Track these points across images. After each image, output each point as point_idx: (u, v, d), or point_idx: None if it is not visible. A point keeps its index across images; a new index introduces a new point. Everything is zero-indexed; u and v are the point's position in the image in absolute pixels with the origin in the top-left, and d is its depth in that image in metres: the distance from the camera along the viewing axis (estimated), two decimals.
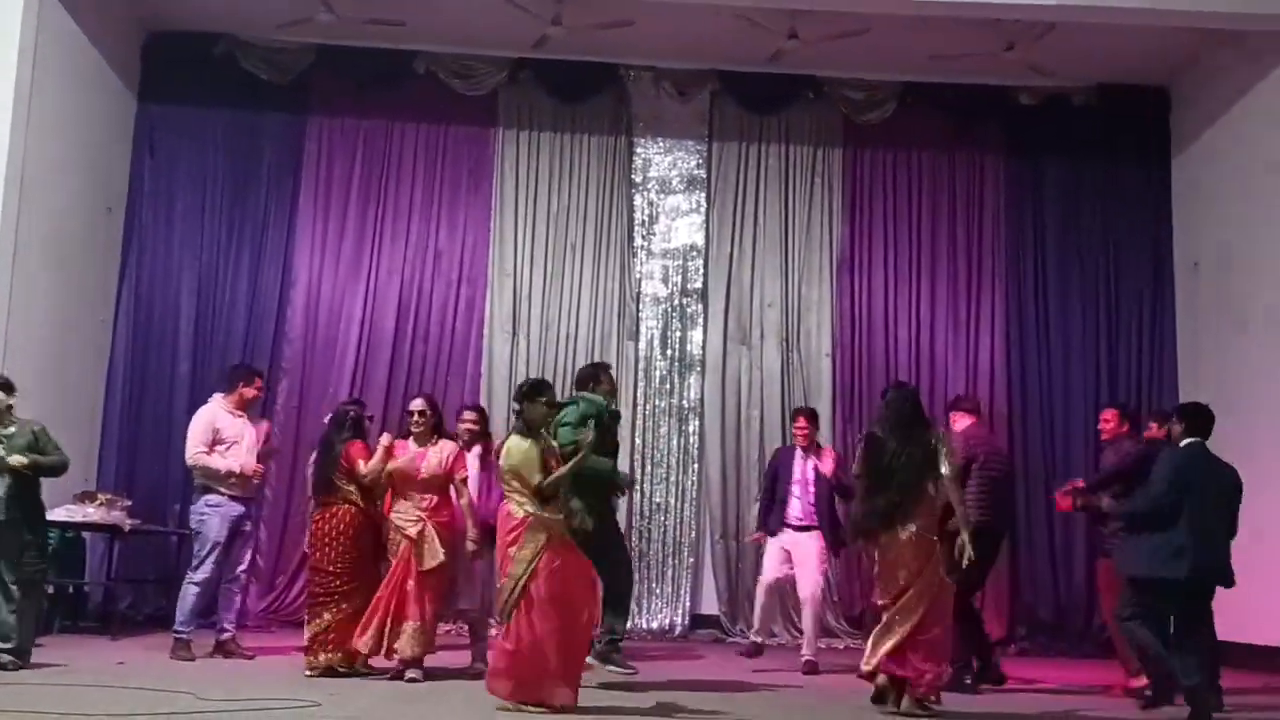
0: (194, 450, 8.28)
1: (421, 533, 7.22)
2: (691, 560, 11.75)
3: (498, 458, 6.46)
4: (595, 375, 7.19)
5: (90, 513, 9.68)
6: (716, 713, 6.23)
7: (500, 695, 5.99)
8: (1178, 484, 6.87)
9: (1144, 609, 6.93)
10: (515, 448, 6.31)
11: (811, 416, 9.50)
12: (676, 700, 6.46)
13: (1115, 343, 12.09)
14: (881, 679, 6.48)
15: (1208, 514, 6.86)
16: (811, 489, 8.96)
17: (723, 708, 6.39)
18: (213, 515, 8.20)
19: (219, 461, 8.26)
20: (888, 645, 6.40)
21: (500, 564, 6.32)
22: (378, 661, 7.37)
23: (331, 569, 7.53)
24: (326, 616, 7.41)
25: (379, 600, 7.19)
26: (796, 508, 8.99)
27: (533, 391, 6.51)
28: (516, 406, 6.49)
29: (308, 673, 7.28)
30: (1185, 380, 11.77)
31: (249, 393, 8.58)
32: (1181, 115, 12.14)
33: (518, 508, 6.20)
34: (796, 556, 8.91)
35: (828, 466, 8.99)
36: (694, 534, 11.79)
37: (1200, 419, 7.27)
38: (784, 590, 9.53)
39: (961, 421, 8.28)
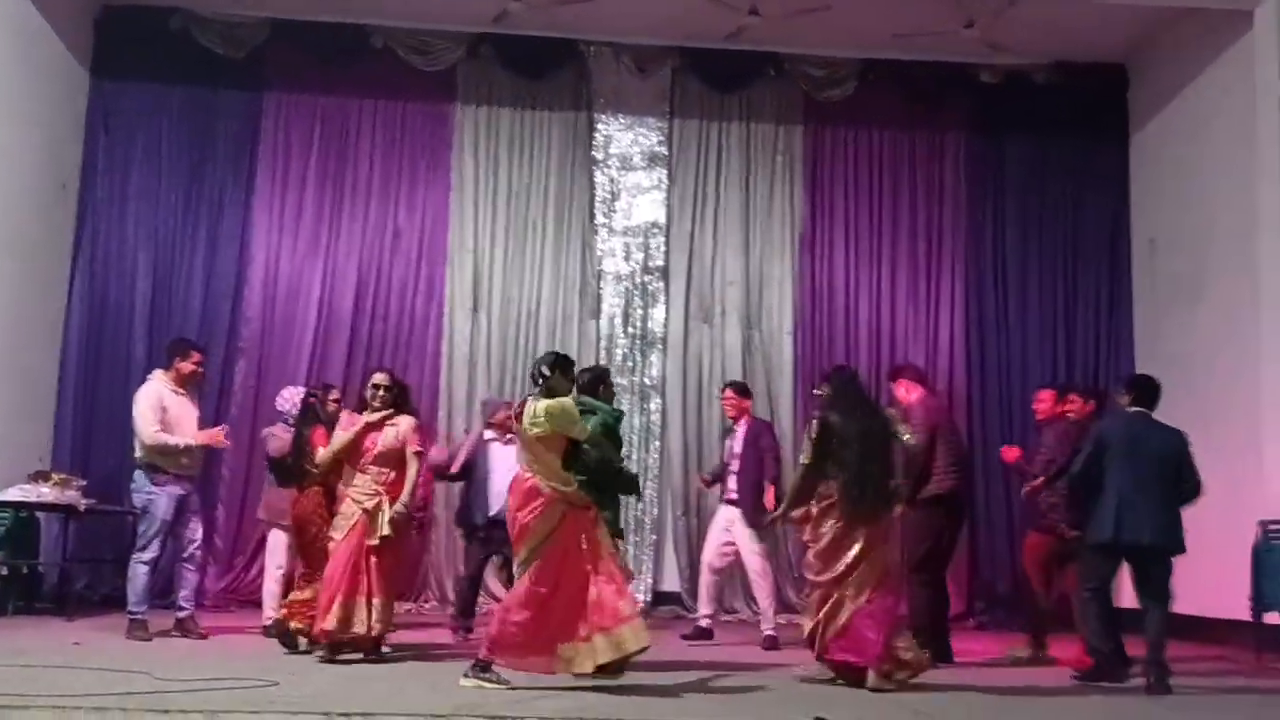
0: (150, 429, 8.13)
1: (378, 506, 7.19)
2: (654, 537, 11.78)
3: (518, 420, 6.41)
4: (604, 379, 7.23)
5: (45, 493, 9.58)
6: (685, 693, 6.24)
7: (497, 659, 6.05)
8: (1095, 450, 7.06)
9: (1099, 580, 7.10)
10: (556, 404, 6.28)
11: (740, 389, 9.55)
12: (640, 680, 6.46)
13: (1073, 319, 12.20)
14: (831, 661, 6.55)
15: (1140, 478, 7.01)
16: (738, 462, 9.07)
17: (689, 688, 6.41)
18: (160, 495, 8.12)
19: (177, 438, 8.17)
20: (838, 623, 6.44)
21: (514, 533, 6.29)
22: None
23: (309, 549, 7.64)
24: (308, 592, 7.45)
25: (334, 576, 7.06)
26: (730, 482, 9.11)
27: (564, 365, 6.54)
28: (546, 373, 6.44)
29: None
30: (1142, 356, 11.87)
31: (185, 367, 8.42)
32: (1139, 93, 12.22)
33: (544, 484, 6.22)
34: (734, 532, 9.04)
35: (738, 443, 9.11)
36: (656, 511, 11.82)
37: (1146, 390, 7.46)
38: (733, 568, 9.60)
39: (913, 391, 8.28)
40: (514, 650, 6.05)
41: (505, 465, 8.83)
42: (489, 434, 9.06)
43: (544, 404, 6.29)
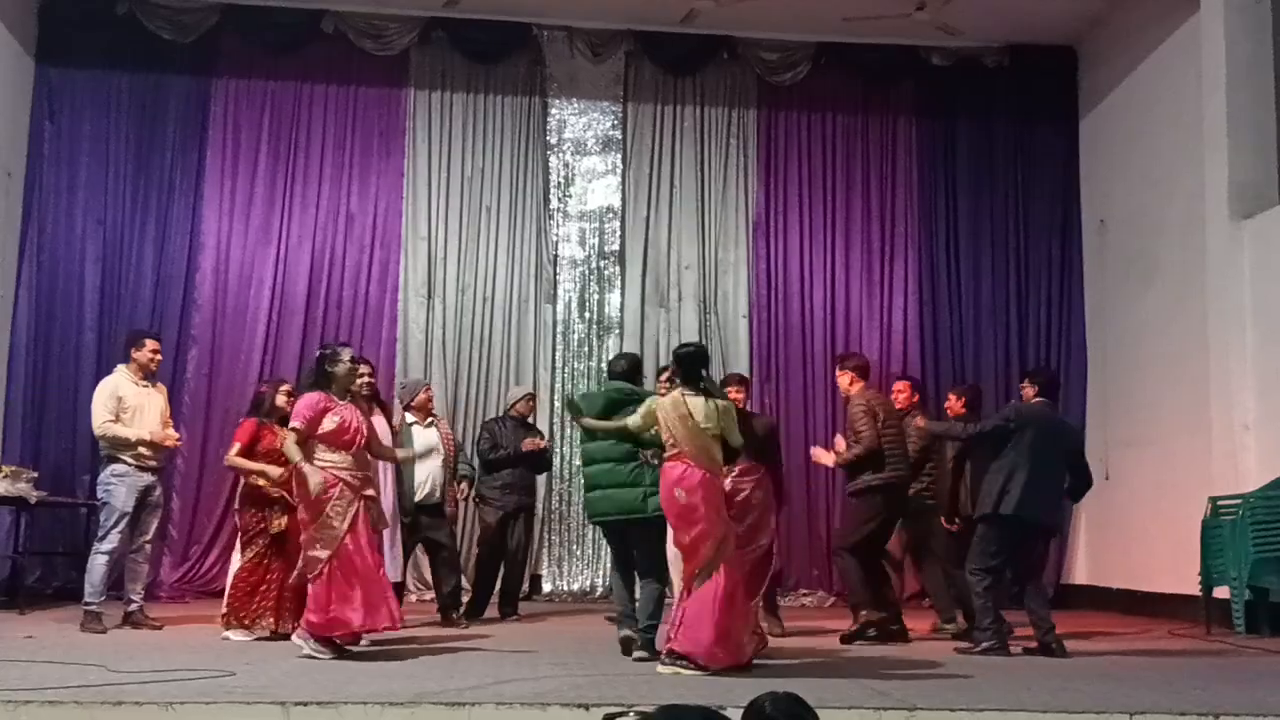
0: (101, 420, 8.19)
1: (376, 495, 7.08)
2: None
3: (684, 420, 6.40)
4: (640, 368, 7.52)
5: None
6: (647, 676, 6.26)
7: (692, 655, 6.15)
8: (1011, 423, 7.53)
9: (1002, 559, 7.50)
10: (728, 407, 6.56)
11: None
12: (602, 663, 6.47)
13: (1025, 300, 12.32)
14: None
15: (1041, 465, 7.42)
16: None
17: (649, 671, 6.44)
18: (119, 485, 8.08)
19: (127, 430, 8.14)
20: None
21: (701, 528, 6.28)
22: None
23: None
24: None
25: (365, 572, 6.65)
26: None
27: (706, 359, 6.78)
28: (705, 372, 6.63)
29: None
30: (1092, 336, 12.02)
31: (141, 357, 8.39)
32: (1089, 75, 12.33)
33: (723, 479, 6.50)
34: None
35: None
36: None
37: (1051, 383, 7.98)
38: None
39: (855, 384, 8.40)
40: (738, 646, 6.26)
41: (427, 449, 8.77)
42: (409, 417, 8.97)
43: (718, 405, 6.48)
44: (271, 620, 7.56)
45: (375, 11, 11.86)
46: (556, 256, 12.21)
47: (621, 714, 3.61)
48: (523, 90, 12.28)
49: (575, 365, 12.09)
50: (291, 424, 6.82)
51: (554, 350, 12.00)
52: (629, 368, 7.28)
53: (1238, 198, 9.65)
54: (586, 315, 12.22)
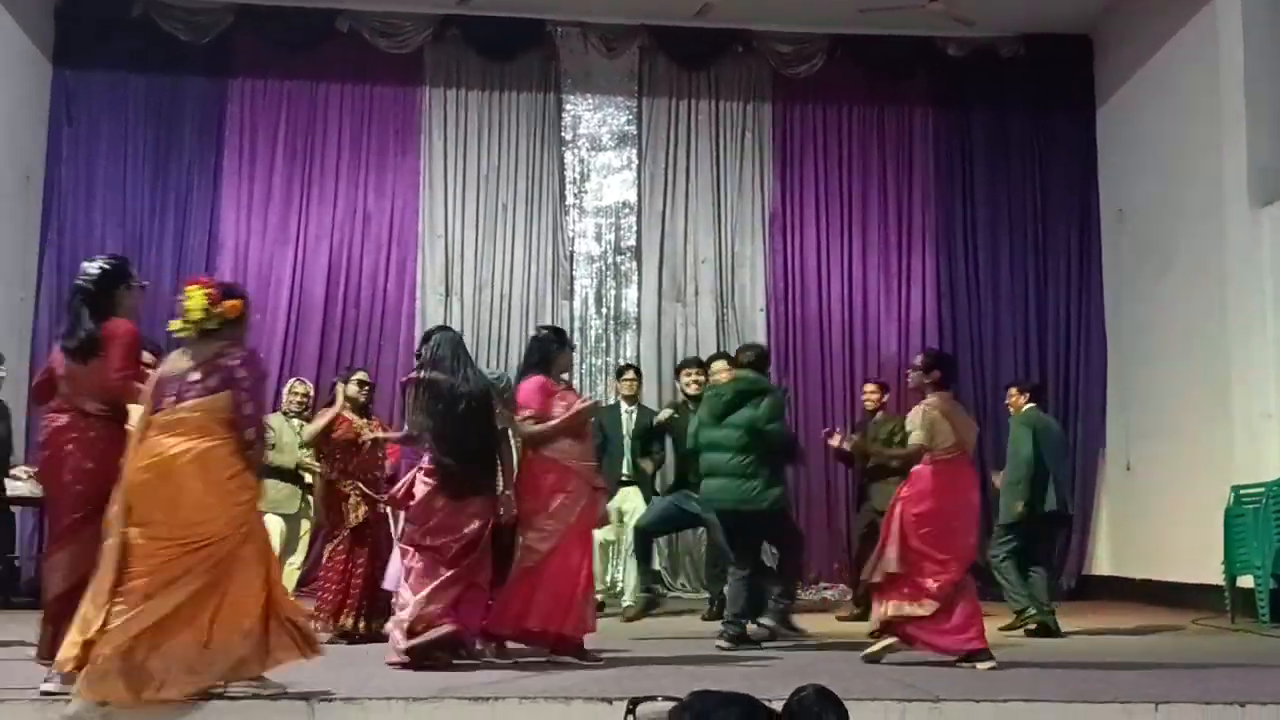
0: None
1: (605, 488, 7.10)
2: None
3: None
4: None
5: (19, 486, 9.49)
6: (669, 667, 6.27)
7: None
8: (1037, 448, 8.21)
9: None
10: None
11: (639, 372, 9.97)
12: (623, 655, 6.48)
13: (1044, 290, 12.26)
14: None
15: (1051, 463, 8.29)
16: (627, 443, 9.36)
17: (672, 662, 6.44)
18: None
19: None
20: None
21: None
22: None
23: None
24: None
25: (574, 574, 6.32)
26: (624, 464, 9.34)
27: None
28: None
29: None
30: (1112, 325, 11.96)
31: None
32: (1105, 64, 12.27)
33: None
34: (626, 508, 9.32)
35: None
36: None
37: (1040, 390, 9.02)
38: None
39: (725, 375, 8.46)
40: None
41: None
42: None
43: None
44: (351, 619, 7.19)
45: (390, 10, 11.89)
46: (573, 252, 12.22)
47: (652, 699, 3.62)
48: (537, 87, 12.29)
49: (593, 361, 12.10)
50: (524, 413, 6.35)
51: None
52: (757, 358, 7.42)
53: (1257, 184, 9.59)
54: (604, 311, 12.23)
